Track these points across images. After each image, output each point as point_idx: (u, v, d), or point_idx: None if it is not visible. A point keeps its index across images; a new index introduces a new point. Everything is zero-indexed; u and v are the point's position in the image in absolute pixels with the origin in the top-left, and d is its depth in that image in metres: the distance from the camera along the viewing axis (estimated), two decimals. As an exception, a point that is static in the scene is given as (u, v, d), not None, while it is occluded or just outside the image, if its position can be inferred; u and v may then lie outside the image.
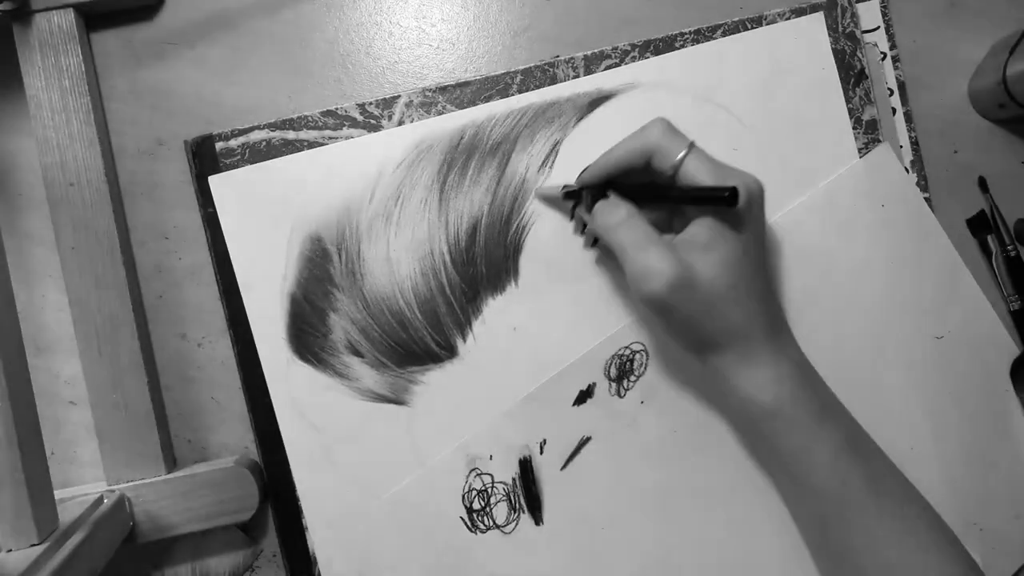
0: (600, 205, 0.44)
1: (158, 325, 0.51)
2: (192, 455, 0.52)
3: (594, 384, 0.50)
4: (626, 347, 0.50)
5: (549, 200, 0.49)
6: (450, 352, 0.50)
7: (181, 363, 0.52)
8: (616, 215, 0.43)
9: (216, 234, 0.50)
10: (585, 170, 0.46)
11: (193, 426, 0.52)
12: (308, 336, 0.50)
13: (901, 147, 0.52)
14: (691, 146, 0.42)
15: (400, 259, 0.49)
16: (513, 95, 0.50)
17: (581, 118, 0.50)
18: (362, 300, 0.49)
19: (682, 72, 0.50)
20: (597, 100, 0.50)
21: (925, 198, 0.51)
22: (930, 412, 0.50)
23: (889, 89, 0.52)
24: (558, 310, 0.50)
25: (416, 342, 0.50)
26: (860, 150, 0.51)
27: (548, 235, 0.50)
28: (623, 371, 0.50)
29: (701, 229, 0.41)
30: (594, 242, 0.49)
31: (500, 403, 0.50)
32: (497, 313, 0.50)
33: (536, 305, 0.50)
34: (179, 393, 0.52)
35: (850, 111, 0.51)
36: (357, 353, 0.50)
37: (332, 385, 0.50)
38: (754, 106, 0.50)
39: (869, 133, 0.51)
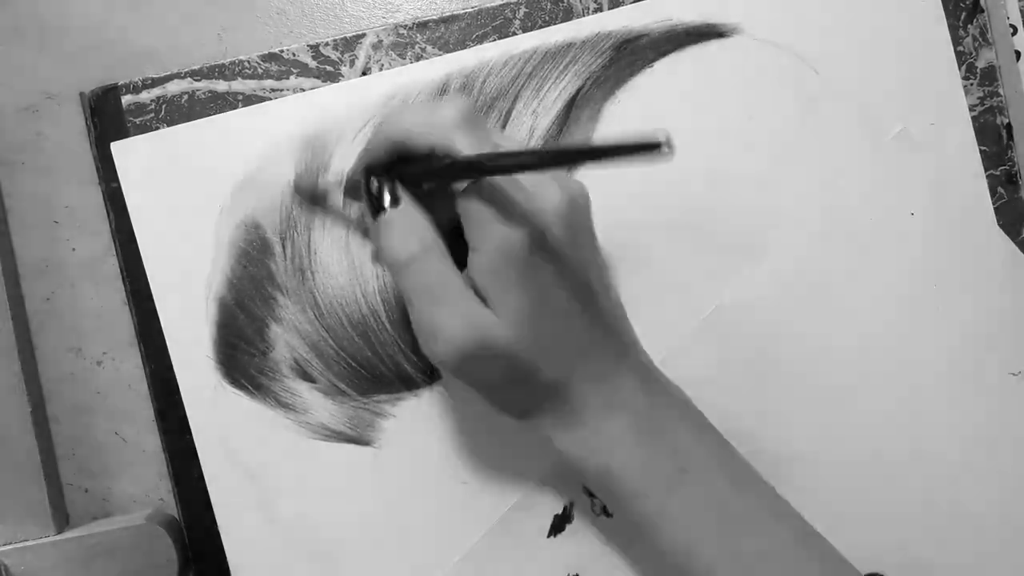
0: (386, 220, 0.40)
1: (45, 337, 0.51)
2: (90, 509, 0.51)
3: (571, 504, 0.49)
4: None
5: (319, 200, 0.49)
6: (428, 376, 0.49)
7: (75, 387, 0.50)
8: (408, 247, 0.40)
9: (122, 218, 0.49)
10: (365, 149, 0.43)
11: (91, 471, 0.51)
12: (242, 354, 0.49)
13: (1013, 30, 0.51)
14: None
15: (364, 253, 0.49)
16: (514, 35, 0.49)
17: (604, 67, 0.49)
18: (313, 306, 0.48)
19: (732, 5, 0.50)
20: (624, 42, 0.49)
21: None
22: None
23: (1012, 26, 0.51)
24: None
25: (384, 362, 0.48)
26: (974, 107, 0.50)
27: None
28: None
29: (490, 252, 0.39)
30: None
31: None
32: None
33: None
34: (72, 427, 0.50)
35: (960, 56, 0.50)
36: (306, 377, 0.49)
37: (273, 419, 0.49)
38: (831, 51, 0.50)
39: (986, 84, 0.50)
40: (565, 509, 0.49)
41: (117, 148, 0.48)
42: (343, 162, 0.48)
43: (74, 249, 0.50)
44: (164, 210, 0.49)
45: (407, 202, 0.41)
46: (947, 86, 0.50)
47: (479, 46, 0.49)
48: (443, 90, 0.49)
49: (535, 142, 0.49)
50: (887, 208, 0.50)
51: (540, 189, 0.39)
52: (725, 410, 0.47)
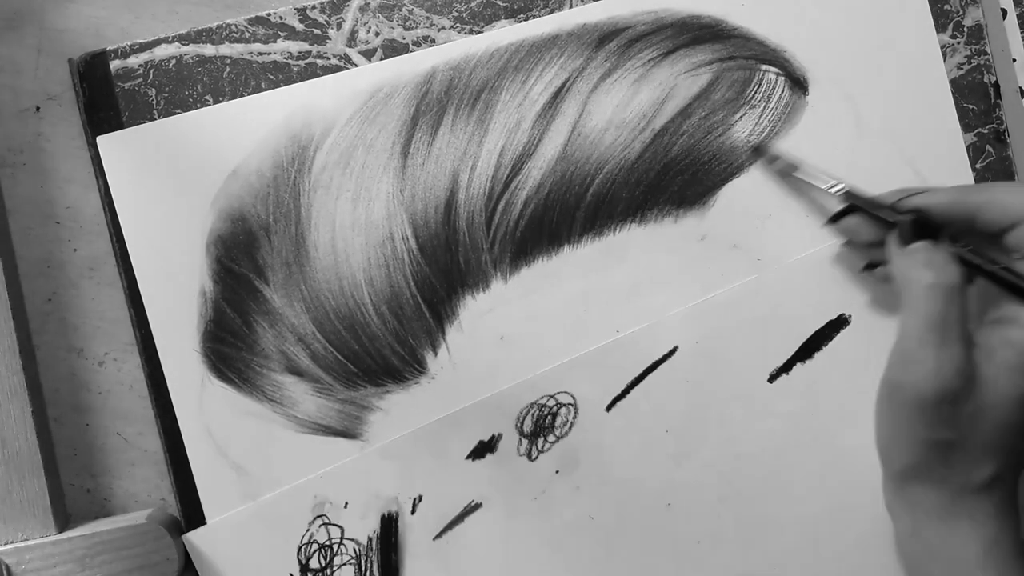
0: (922, 248, 0.42)
1: (47, 337, 0.50)
2: (92, 508, 0.50)
3: (499, 436, 0.48)
4: (551, 396, 0.49)
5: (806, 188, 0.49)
6: (417, 368, 0.48)
7: (77, 388, 0.50)
8: (936, 274, 0.40)
9: (117, 215, 0.49)
10: (916, 193, 0.44)
11: (92, 471, 0.50)
12: (228, 348, 0.48)
13: (1015, 61, 0.50)
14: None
15: (351, 246, 0.48)
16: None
17: (590, 59, 0.49)
18: (300, 300, 0.48)
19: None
20: (610, 35, 0.49)
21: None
22: None
23: None
24: (560, 312, 0.48)
25: (372, 355, 0.48)
26: (961, 65, 0.50)
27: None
28: (540, 427, 0.48)
29: (1014, 342, 0.40)
30: (835, 219, 0.47)
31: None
32: (479, 317, 0.48)
33: (530, 306, 0.48)
34: (74, 428, 0.50)
35: (947, 14, 0.49)
36: (294, 370, 0.48)
37: (260, 413, 0.48)
38: (819, 40, 0.49)
39: (973, 43, 0.50)
40: (493, 438, 0.48)
41: (103, 144, 0.48)
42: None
43: (76, 250, 0.49)
44: (150, 204, 0.48)
45: (946, 247, 0.42)
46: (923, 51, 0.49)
47: (466, 39, 0.48)
48: (429, 81, 0.48)
49: (520, 135, 0.48)
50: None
51: None
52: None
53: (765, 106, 0.49)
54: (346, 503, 0.48)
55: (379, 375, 0.48)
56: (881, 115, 0.49)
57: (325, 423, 0.48)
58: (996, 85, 0.49)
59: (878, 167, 0.49)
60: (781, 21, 0.49)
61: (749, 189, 0.48)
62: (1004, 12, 0.50)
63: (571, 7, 0.49)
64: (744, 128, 0.48)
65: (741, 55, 0.49)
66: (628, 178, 0.48)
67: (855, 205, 0.45)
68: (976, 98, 0.49)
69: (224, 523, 0.48)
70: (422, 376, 0.48)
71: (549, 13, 0.49)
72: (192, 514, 0.48)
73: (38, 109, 0.50)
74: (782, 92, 0.49)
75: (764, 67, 0.49)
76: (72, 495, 0.50)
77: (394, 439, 0.48)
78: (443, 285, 0.48)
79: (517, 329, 0.48)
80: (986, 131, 0.49)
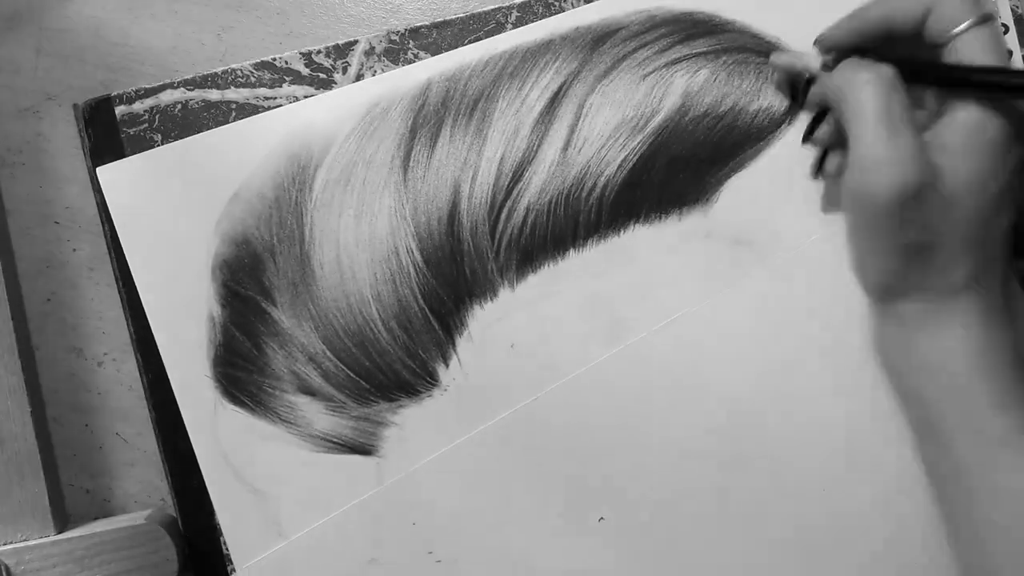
0: (849, 61, 0.42)
1: (46, 337, 0.50)
2: (91, 509, 0.50)
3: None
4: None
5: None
6: (429, 381, 0.48)
7: (76, 388, 0.50)
8: (868, 72, 0.40)
9: (114, 227, 0.48)
10: (824, 33, 0.44)
11: (91, 471, 0.50)
12: (240, 371, 0.48)
13: (1004, 29, 0.50)
14: (985, 19, 0.39)
15: (356, 263, 0.47)
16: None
17: (584, 62, 0.48)
18: (309, 320, 0.47)
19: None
20: (603, 36, 0.48)
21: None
22: None
23: (1004, 25, 0.50)
24: (569, 317, 0.48)
25: (384, 371, 0.47)
26: None
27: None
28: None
29: (960, 125, 0.39)
30: (820, 165, 0.47)
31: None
32: (488, 326, 0.48)
33: (539, 312, 0.48)
34: (73, 428, 0.50)
35: None
36: (306, 390, 0.48)
37: (275, 435, 0.48)
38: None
39: None
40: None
41: (103, 174, 0.47)
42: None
43: (75, 250, 0.49)
44: (153, 232, 0.47)
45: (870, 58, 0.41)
46: None
47: (459, 48, 0.48)
48: (425, 94, 0.48)
49: (519, 142, 0.48)
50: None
51: None
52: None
53: (763, 100, 0.48)
54: None
55: (391, 390, 0.48)
56: None
57: (340, 441, 0.48)
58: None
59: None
60: (775, 13, 0.49)
61: (752, 184, 0.48)
62: (1010, 53, 0.50)
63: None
64: (744, 123, 0.48)
65: (736, 49, 0.48)
66: (630, 178, 0.47)
67: (823, 110, 0.45)
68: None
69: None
70: (435, 389, 0.48)
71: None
72: (191, 515, 0.48)
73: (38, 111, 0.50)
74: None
75: (760, 60, 0.48)
76: (71, 495, 0.50)
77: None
78: (451, 296, 0.48)
79: (527, 336, 0.48)
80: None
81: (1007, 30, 0.50)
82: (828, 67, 0.44)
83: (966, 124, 0.39)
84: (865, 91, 0.39)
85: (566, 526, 0.48)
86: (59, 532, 0.47)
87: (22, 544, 0.46)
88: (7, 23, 0.50)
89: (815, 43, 0.45)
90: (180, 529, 0.48)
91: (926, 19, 0.40)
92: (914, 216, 0.38)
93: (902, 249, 0.40)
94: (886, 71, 0.40)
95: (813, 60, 0.45)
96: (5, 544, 0.47)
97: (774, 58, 0.47)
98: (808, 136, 0.46)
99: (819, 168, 0.47)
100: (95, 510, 0.50)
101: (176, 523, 0.48)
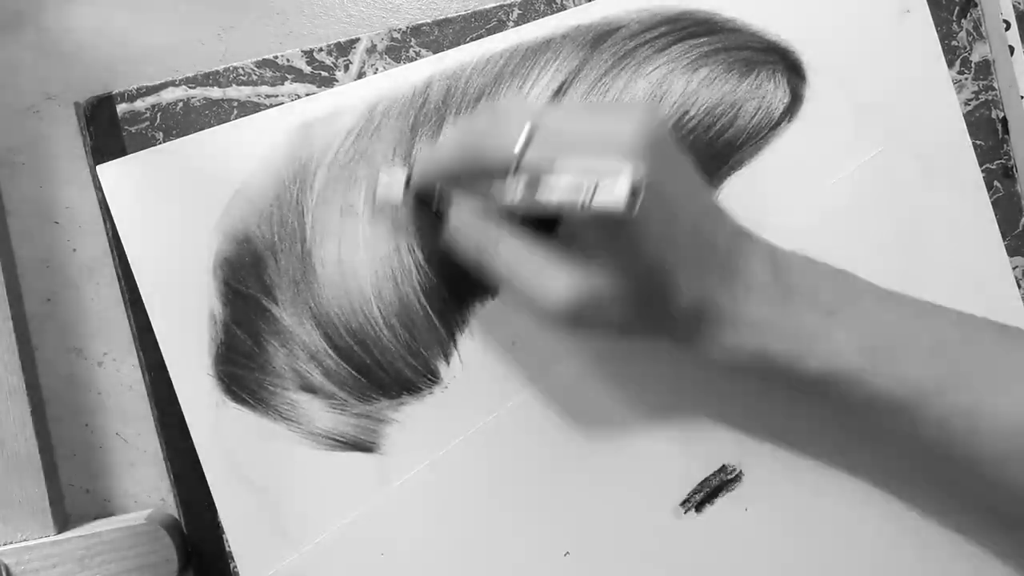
0: (455, 215, 0.42)
1: (45, 337, 0.49)
2: (91, 509, 0.50)
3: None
4: None
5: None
6: (431, 378, 0.48)
7: (76, 388, 0.49)
8: (484, 234, 0.41)
9: (115, 225, 0.48)
10: (411, 174, 0.46)
11: (92, 471, 0.50)
12: (242, 369, 0.47)
13: (1022, 97, 0.50)
14: (535, 120, 0.38)
15: (357, 261, 0.47)
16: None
17: (585, 60, 0.48)
18: (310, 318, 0.47)
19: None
20: (604, 35, 0.48)
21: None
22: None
23: (1005, 21, 0.50)
24: None
25: (385, 368, 0.47)
26: (969, 101, 0.49)
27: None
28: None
29: (587, 228, 0.39)
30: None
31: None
32: (489, 323, 0.48)
33: None
34: (73, 428, 0.49)
35: (954, 50, 0.49)
36: (308, 388, 0.48)
37: (277, 432, 0.48)
38: (818, 38, 0.49)
39: (981, 78, 0.49)
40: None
41: (104, 172, 0.47)
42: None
43: (75, 250, 0.49)
44: (154, 231, 0.47)
45: (461, 201, 0.42)
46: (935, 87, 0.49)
47: (460, 46, 0.48)
48: (426, 93, 0.48)
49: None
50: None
51: (621, 118, 0.38)
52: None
53: (763, 98, 0.48)
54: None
55: (393, 387, 0.48)
56: (881, 106, 0.49)
57: (342, 439, 0.48)
58: (1004, 121, 0.49)
59: (879, 161, 0.49)
60: (775, 13, 0.48)
61: (750, 184, 0.48)
62: (1011, 49, 0.50)
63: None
64: (743, 121, 0.48)
65: (736, 47, 0.48)
66: (630, 177, 0.47)
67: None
68: (984, 134, 0.49)
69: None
70: (436, 386, 0.48)
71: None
72: (191, 515, 0.48)
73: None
74: (779, 83, 0.48)
75: (760, 59, 0.48)
76: (71, 495, 0.49)
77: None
78: (452, 294, 0.48)
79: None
80: (994, 167, 0.48)
81: (1008, 26, 0.50)
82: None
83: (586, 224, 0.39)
84: (493, 252, 0.41)
85: (531, 562, 0.49)
86: (59, 532, 0.47)
87: (22, 544, 0.46)
88: (7, 23, 0.49)
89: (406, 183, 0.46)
90: (180, 529, 0.48)
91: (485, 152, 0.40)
92: (602, 305, 0.39)
93: (635, 321, 0.40)
94: (494, 222, 0.41)
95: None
96: (5, 544, 0.46)
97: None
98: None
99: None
100: (95, 510, 0.50)
101: (176, 523, 0.48)
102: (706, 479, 0.48)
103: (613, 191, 0.34)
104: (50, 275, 0.49)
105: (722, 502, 0.48)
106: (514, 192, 0.38)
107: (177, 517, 0.49)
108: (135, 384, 0.49)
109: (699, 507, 0.48)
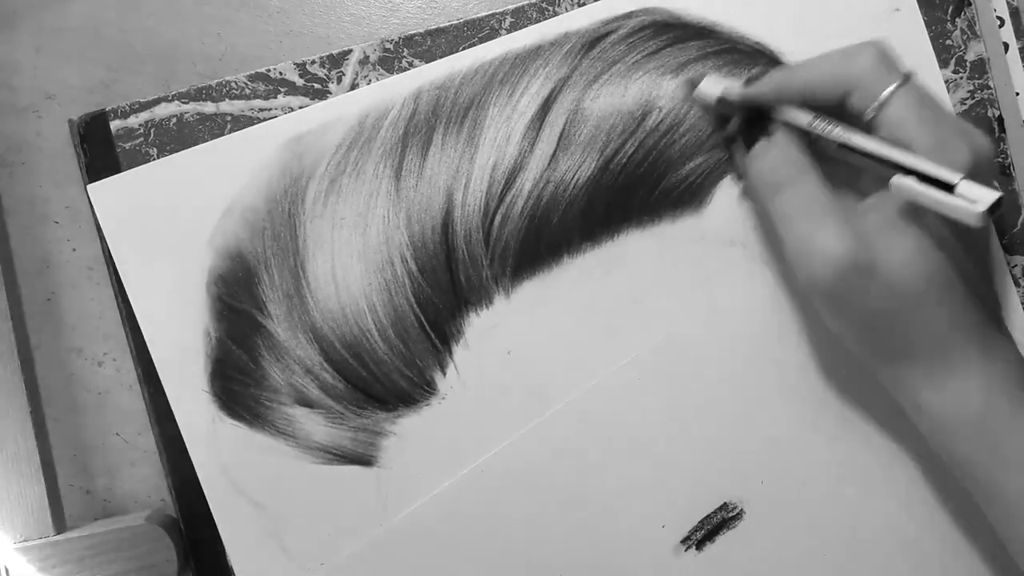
0: (762, 148, 0.42)
1: (45, 337, 0.49)
2: (90, 510, 0.49)
3: None
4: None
5: (698, 100, 0.47)
6: (427, 390, 0.47)
7: (75, 388, 0.49)
8: (782, 172, 0.40)
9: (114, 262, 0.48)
10: (752, 79, 0.44)
11: (91, 471, 0.49)
12: (238, 385, 0.47)
13: (1018, 95, 0.49)
14: (905, 79, 0.39)
15: (351, 273, 0.47)
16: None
17: (574, 67, 0.48)
18: (305, 332, 0.47)
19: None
20: (593, 41, 0.48)
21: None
22: None
23: (999, 18, 0.49)
24: (565, 323, 0.48)
25: (381, 381, 0.47)
26: (964, 100, 0.49)
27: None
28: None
29: (893, 199, 0.39)
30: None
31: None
32: (484, 333, 0.47)
33: (535, 319, 0.48)
34: (72, 428, 0.49)
35: (949, 49, 0.48)
36: (304, 402, 0.47)
37: (274, 447, 0.47)
38: (804, 46, 0.48)
39: (976, 77, 0.48)
40: None
41: (95, 190, 0.47)
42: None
43: (75, 250, 0.49)
44: (146, 248, 0.47)
45: (783, 134, 0.41)
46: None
47: (450, 56, 0.47)
48: (415, 103, 0.47)
49: (511, 149, 0.47)
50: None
51: (964, 132, 0.38)
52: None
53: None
54: None
55: (390, 400, 0.48)
56: None
57: (339, 452, 0.48)
58: (1000, 119, 0.48)
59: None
60: (765, 15, 0.48)
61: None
62: (1006, 46, 0.49)
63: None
64: (734, 124, 0.47)
65: (725, 51, 0.48)
66: (622, 183, 0.47)
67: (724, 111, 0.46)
68: (980, 133, 0.48)
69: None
70: (432, 397, 0.47)
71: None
72: (191, 515, 0.48)
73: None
74: None
75: (750, 61, 0.48)
76: (71, 496, 0.49)
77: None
78: (446, 305, 0.47)
79: (523, 343, 0.48)
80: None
81: (1002, 23, 0.49)
82: (740, 124, 0.44)
83: (895, 200, 0.39)
84: (782, 198, 0.40)
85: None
86: (58, 532, 0.47)
87: (21, 544, 0.46)
88: (7, 23, 0.49)
89: (719, 99, 0.45)
90: (180, 529, 0.48)
91: (847, 97, 0.40)
92: (860, 293, 0.38)
93: (861, 323, 0.40)
94: (796, 166, 0.40)
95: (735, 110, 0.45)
96: (4, 544, 0.46)
97: (688, 86, 0.47)
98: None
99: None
100: (95, 510, 0.49)
101: (176, 523, 0.48)
102: (707, 517, 0.48)
103: (972, 204, 0.35)
104: (50, 275, 0.49)
105: (723, 540, 0.48)
106: (848, 139, 0.39)
107: (177, 517, 0.48)
108: (135, 384, 0.49)
109: (699, 545, 0.48)
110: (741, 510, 0.48)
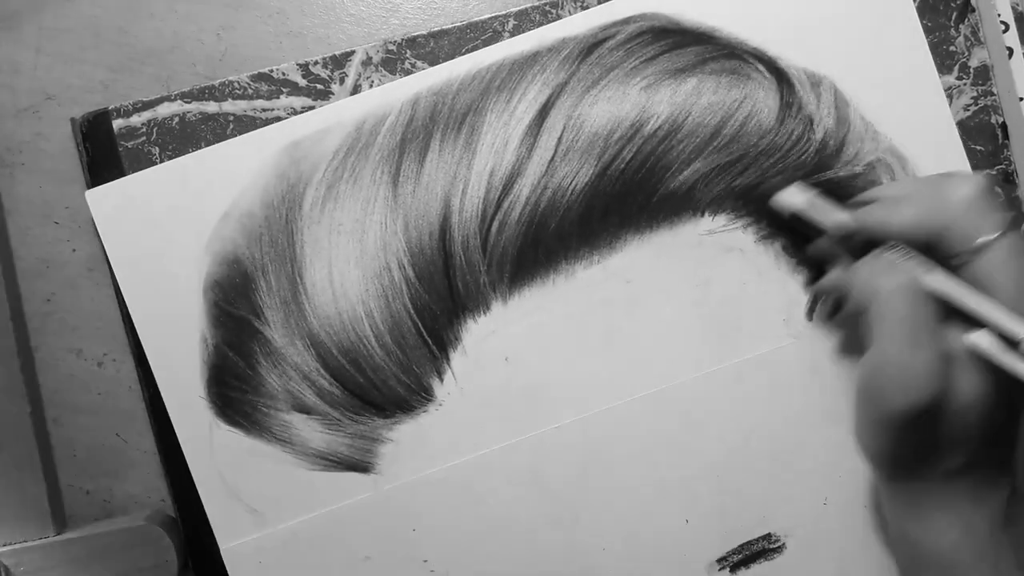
0: (877, 257, 0.41)
1: (45, 337, 0.49)
2: (91, 510, 0.49)
3: None
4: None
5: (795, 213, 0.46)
6: (424, 396, 0.47)
7: (75, 388, 0.49)
8: (901, 277, 0.39)
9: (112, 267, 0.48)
10: (854, 207, 0.43)
11: (91, 472, 0.49)
12: (233, 392, 0.47)
13: (1022, 100, 0.49)
14: (1007, 230, 0.39)
15: (348, 280, 0.47)
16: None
17: (572, 73, 0.47)
18: (302, 338, 0.47)
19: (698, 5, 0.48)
20: (591, 47, 0.48)
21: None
22: None
23: (1003, 23, 0.49)
24: (562, 329, 0.48)
25: (378, 387, 0.47)
26: (968, 107, 0.48)
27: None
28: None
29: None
30: (835, 309, 0.47)
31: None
32: (481, 340, 0.47)
33: (532, 325, 0.47)
34: (72, 428, 0.49)
35: (952, 55, 0.48)
36: (301, 409, 0.47)
37: (271, 454, 0.47)
38: (804, 49, 0.48)
39: (980, 83, 0.48)
40: None
41: (92, 196, 0.47)
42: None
43: (75, 250, 0.49)
44: (143, 254, 0.47)
45: (898, 251, 0.40)
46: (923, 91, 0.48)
47: (446, 63, 0.47)
48: (412, 109, 0.47)
49: (509, 155, 0.47)
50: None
51: None
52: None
53: (752, 107, 0.47)
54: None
55: (387, 406, 0.47)
56: (872, 108, 0.48)
57: (336, 459, 0.47)
58: (1003, 126, 0.48)
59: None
60: (764, 21, 0.48)
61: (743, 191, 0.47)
62: (1010, 51, 0.49)
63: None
64: (731, 129, 0.47)
65: (724, 56, 0.47)
66: (620, 189, 0.47)
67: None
68: (984, 139, 0.48)
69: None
70: (430, 404, 0.47)
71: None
72: (190, 516, 0.48)
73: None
74: (768, 90, 0.48)
75: (749, 68, 0.47)
76: (71, 496, 0.49)
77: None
78: (443, 311, 0.47)
79: (521, 350, 0.47)
80: (995, 172, 0.48)
81: (1007, 28, 0.49)
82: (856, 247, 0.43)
83: (974, 344, 0.38)
84: (896, 298, 0.38)
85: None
86: (58, 533, 0.47)
87: (21, 545, 0.46)
88: (7, 23, 0.49)
89: (849, 220, 0.43)
90: (180, 529, 0.48)
91: (943, 234, 0.40)
92: (921, 426, 0.38)
93: (903, 446, 0.39)
94: (915, 279, 0.39)
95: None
96: (4, 545, 0.46)
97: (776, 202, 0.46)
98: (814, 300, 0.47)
99: (812, 309, 0.47)
100: (95, 511, 0.49)
101: (176, 523, 0.48)
102: (748, 542, 0.47)
103: None
104: (50, 275, 0.49)
105: (757, 569, 0.48)
106: (935, 286, 0.39)
107: (176, 517, 0.48)
108: (135, 384, 0.49)
109: (734, 568, 0.47)
110: (783, 544, 0.48)
